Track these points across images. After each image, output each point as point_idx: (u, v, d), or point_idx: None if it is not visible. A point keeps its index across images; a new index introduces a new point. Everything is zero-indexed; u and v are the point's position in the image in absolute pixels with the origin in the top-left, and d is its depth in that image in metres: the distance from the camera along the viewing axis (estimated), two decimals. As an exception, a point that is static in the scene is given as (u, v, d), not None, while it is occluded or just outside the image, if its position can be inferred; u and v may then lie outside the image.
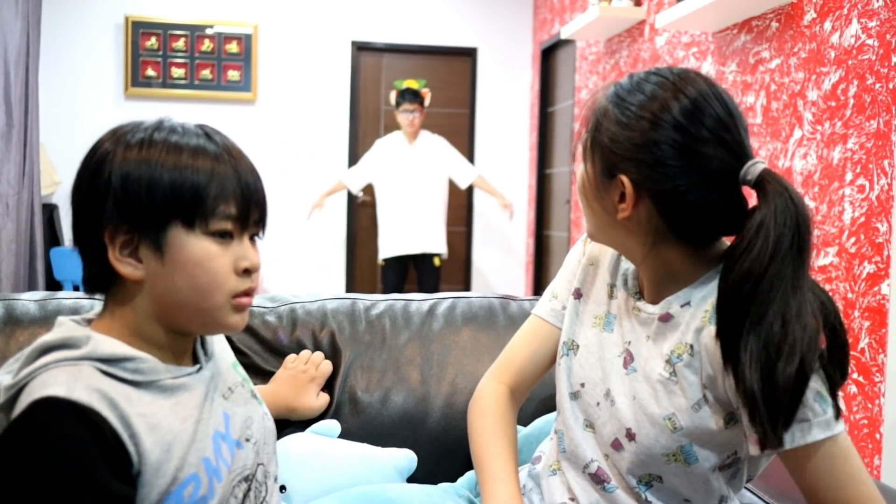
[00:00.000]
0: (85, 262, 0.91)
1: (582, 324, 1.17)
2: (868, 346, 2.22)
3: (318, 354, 1.47)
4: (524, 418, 1.44)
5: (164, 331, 0.92)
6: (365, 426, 1.44)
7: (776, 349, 0.91)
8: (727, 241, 1.05)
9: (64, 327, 0.90)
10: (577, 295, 1.19)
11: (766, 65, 2.81)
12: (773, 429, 0.91)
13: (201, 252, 0.89)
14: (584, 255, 1.22)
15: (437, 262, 4.95)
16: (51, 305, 1.43)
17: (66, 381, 0.82)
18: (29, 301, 1.43)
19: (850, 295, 2.31)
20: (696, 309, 1.02)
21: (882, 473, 2.12)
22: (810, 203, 2.52)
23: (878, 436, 2.18)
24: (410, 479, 1.40)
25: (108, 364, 0.86)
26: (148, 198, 0.87)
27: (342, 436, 1.41)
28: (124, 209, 0.87)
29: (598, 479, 1.10)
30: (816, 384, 0.93)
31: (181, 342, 0.95)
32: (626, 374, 1.08)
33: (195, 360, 0.98)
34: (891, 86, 2.17)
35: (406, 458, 1.39)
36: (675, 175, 0.97)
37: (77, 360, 0.85)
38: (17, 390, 0.84)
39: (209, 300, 0.90)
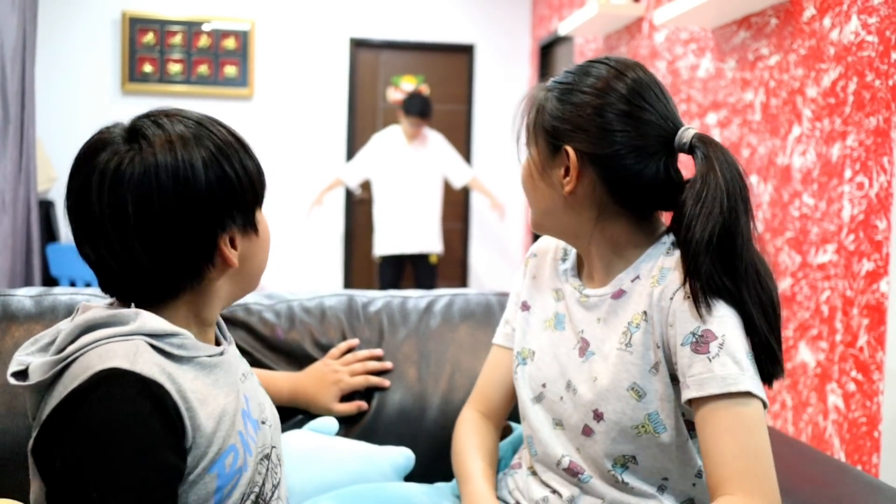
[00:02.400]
0: (174, 268, 0.92)
1: (533, 330, 1.22)
2: (867, 343, 2.22)
3: (359, 356, 1.47)
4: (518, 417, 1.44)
5: (219, 311, 1.00)
6: (362, 423, 1.44)
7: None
8: (665, 223, 1.12)
9: (104, 308, 0.92)
10: (525, 307, 1.25)
11: (766, 61, 2.80)
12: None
13: (266, 221, 1.02)
14: (525, 274, 1.27)
15: (433, 259, 4.95)
16: (47, 301, 1.42)
17: (125, 354, 0.85)
18: (24, 297, 1.43)
19: (848, 292, 2.31)
20: (646, 279, 1.07)
21: (880, 472, 2.12)
22: (809, 200, 2.52)
23: (876, 434, 2.17)
24: (408, 478, 1.39)
25: (156, 339, 0.89)
26: (251, 190, 0.97)
27: (340, 433, 1.41)
28: (240, 205, 0.95)
29: (572, 473, 1.12)
30: (749, 347, 0.99)
31: (214, 324, 1.02)
32: (584, 361, 1.11)
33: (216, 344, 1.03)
34: (890, 83, 2.16)
35: (403, 457, 1.38)
36: (615, 140, 1.04)
37: (127, 335, 0.87)
38: (65, 365, 0.86)
39: (267, 262, 1.03)
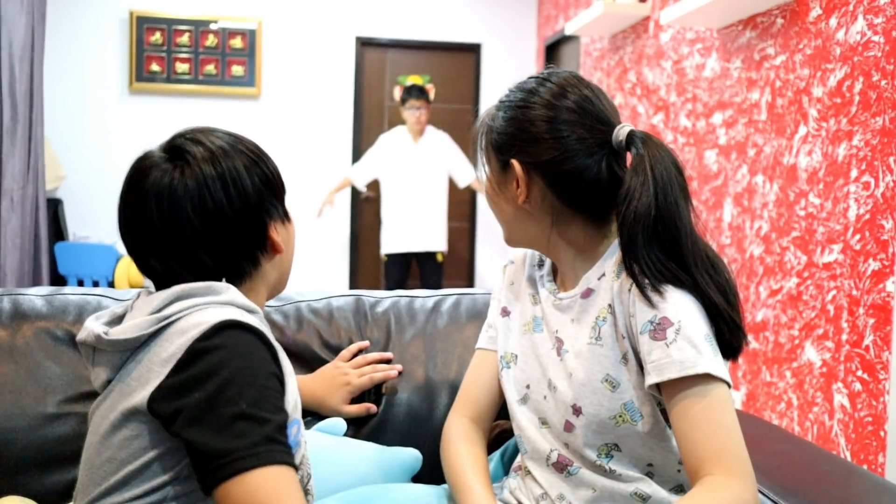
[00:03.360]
0: (234, 260, 1.02)
1: (514, 334, 1.25)
2: (872, 343, 2.22)
3: (368, 358, 1.48)
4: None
5: (266, 298, 1.10)
6: (370, 424, 1.44)
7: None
8: None
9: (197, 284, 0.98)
10: (505, 313, 1.29)
11: (772, 61, 2.80)
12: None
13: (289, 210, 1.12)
14: (504, 281, 1.32)
15: (439, 258, 4.96)
16: (57, 301, 1.43)
17: (230, 314, 0.93)
18: (35, 296, 1.44)
19: (854, 292, 2.31)
20: (610, 274, 1.11)
21: (886, 471, 2.12)
22: (815, 200, 2.52)
23: (882, 433, 2.18)
24: (416, 479, 1.40)
25: (244, 312, 0.97)
26: (281, 184, 1.08)
27: (347, 434, 1.41)
28: (281, 198, 1.08)
29: (561, 467, 1.14)
30: (708, 330, 1.01)
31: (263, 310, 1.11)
32: (561, 359, 1.14)
33: None
34: (897, 83, 2.16)
35: (411, 457, 1.38)
36: (554, 147, 1.09)
37: (222, 304, 0.96)
38: (167, 323, 0.93)
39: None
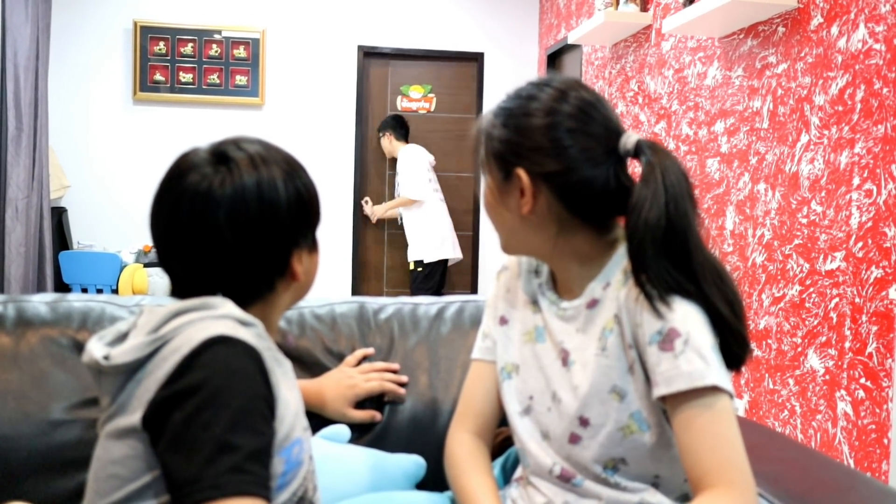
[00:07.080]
0: (253, 280, 1.01)
1: (514, 344, 1.23)
2: (876, 350, 2.22)
3: (375, 366, 1.48)
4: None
5: (280, 319, 1.10)
6: (374, 431, 1.44)
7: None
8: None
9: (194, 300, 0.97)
10: (503, 322, 1.26)
11: (773, 69, 2.81)
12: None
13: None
14: (499, 288, 1.30)
15: (411, 265, 5.30)
16: (61, 308, 1.44)
17: (224, 328, 0.92)
18: (40, 303, 1.44)
19: (857, 300, 2.31)
20: (615, 283, 1.10)
21: (890, 478, 2.12)
22: (817, 207, 2.52)
23: (886, 441, 2.17)
24: (419, 486, 1.40)
25: (241, 325, 0.95)
26: (316, 207, 1.07)
27: (351, 440, 1.41)
28: (310, 223, 1.05)
29: (564, 479, 1.13)
30: (714, 341, 1.00)
31: (276, 332, 1.10)
32: (567, 371, 1.13)
33: None
34: (898, 90, 2.17)
35: (415, 465, 1.38)
36: (562, 157, 1.06)
37: (218, 317, 0.94)
38: (163, 342, 0.92)
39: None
